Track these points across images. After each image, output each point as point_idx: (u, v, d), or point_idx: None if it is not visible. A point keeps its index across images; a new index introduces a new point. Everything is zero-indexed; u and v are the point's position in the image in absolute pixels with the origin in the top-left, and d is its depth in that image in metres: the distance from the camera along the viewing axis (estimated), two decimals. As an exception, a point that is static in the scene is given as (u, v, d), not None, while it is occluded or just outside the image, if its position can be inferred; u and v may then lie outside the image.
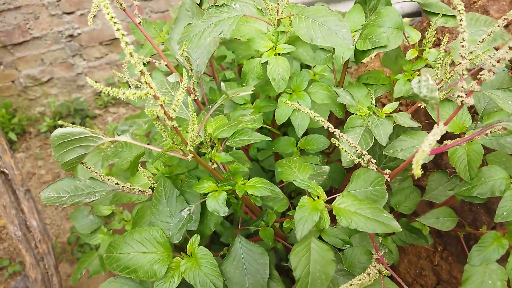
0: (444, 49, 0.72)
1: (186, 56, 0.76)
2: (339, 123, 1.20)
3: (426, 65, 0.84)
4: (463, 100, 0.48)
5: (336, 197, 0.63)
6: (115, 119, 2.50)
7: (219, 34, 0.68)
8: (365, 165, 0.68)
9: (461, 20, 0.45)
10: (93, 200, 0.70)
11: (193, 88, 0.81)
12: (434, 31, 0.81)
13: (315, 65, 1.32)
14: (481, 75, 0.45)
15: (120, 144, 0.79)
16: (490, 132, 0.57)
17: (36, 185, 2.22)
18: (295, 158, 0.78)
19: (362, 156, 0.67)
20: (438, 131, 0.42)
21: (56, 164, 2.32)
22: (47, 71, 2.50)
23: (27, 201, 1.40)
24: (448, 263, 1.09)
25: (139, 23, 0.75)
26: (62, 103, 2.50)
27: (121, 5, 0.74)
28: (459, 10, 0.45)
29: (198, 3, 0.84)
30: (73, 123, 2.48)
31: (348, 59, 0.89)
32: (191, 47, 0.69)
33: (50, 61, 2.46)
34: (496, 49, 0.95)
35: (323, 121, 0.63)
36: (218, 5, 0.71)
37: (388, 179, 0.69)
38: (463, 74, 0.48)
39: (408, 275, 1.23)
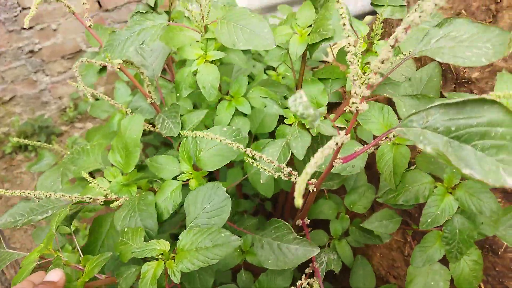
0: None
1: (129, 60, 0.75)
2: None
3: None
4: (357, 107, 0.45)
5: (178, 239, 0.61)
6: (82, 135, 2.44)
7: (141, 44, 0.65)
8: (287, 179, 0.64)
9: (344, 24, 0.44)
10: (46, 217, 0.71)
11: (149, 91, 0.80)
12: (381, 23, 0.83)
13: (278, 66, 1.34)
14: (368, 78, 0.42)
15: (76, 150, 0.78)
16: (386, 138, 0.54)
17: (3, 208, 2.14)
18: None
19: (282, 170, 0.63)
20: (331, 144, 0.40)
21: (24, 186, 2.24)
22: (9, 89, 2.42)
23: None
24: (418, 252, 1.12)
25: (89, 26, 0.74)
26: (26, 121, 2.42)
27: (69, 8, 0.73)
28: (342, 16, 0.44)
29: (152, 6, 0.84)
30: (38, 142, 2.41)
31: (305, 54, 0.90)
32: (113, 57, 0.66)
33: (11, 78, 2.39)
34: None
35: (230, 143, 0.61)
36: (143, 12, 0.68)
37: (315, 189, 0.64)
38: (355, 79, 0.45)
39: (381, 267, 1.24)
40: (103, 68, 0.91)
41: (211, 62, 0.75)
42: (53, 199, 0.70)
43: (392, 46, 0.36)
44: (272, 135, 0.97)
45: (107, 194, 0.68)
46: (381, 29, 0.85)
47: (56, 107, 2.56)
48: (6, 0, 2.18)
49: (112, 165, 0.73)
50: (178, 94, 0.77)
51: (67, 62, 2.43)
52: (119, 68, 0.74)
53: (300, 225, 0.83)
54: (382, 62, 0.36)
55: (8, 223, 0.72)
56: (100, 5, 2.30)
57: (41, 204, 0.73)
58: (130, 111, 0.86)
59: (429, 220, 0.69)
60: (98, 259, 0.61)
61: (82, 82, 0.73)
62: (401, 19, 1.13)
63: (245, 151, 0.59)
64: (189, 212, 0.65)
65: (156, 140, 1.56)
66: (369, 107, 0.72)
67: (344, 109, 0.77)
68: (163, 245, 0.60)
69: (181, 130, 0.73)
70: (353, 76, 0.45)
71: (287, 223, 0.62)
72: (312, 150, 0.82)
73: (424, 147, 0.39)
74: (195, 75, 0.75)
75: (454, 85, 0.91)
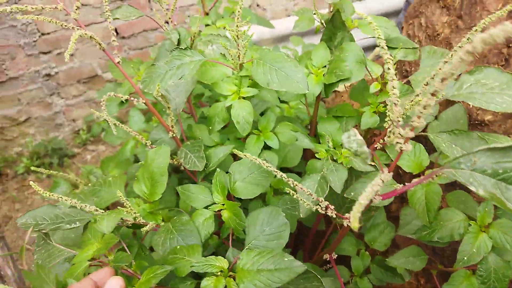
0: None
1: (162, 95, 0.78)
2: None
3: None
4: (401, 147, 0.48)
5: (238, 257, 0.62)
6: (94, 157, 2.48)
7: (180, 78, 0.69)
8: (323, 212, 0.65)
9: (388, 68, 0.46)
10: (73, 227, 0.70)
11: (172, 126, 0.83)
12: (394, 64, 0.86)
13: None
14: (412, 122, 0.45)
15: (98, 182, 0.80)
16: (435, 176, 0.56)
17: (13, 229, 2.15)
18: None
19: (320, 203, 0.64)
20: (379, 181, 0.43)
21: (34, 206, 2.27)
22: (24, 110, 2.48)
23: (0, 249, 1.36)
24: (431, 296, 1.10)
25: (118, 62, 0.77)
26: (39, 142, 2.47)
27: (100, 45, 0.76)
28: (389, 68, 0.46)
29: (176, 43, 0.88)
30: (50, 164, 2.44)
31: (320, 93, 0.93)
32: (152, 88, 0.71)
33: (27, 100, 2.45)
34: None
35: (275, 171, 0.62)
36: (181, 48, 0.72)
37: (349, 224, 0.65)
38: (399, 121, 0.48)
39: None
40: (126, 101, 0.95)
41: (243, 98, 0.79)
42: (80, 210, 0.71)
43: (433, 95, 0.40)
44: (292, 170, 0.99)
45: (135, 217, 0.69)
46: (395, 70, 0.88)
47: (70, 129, 2.61)
48: (27, 26, 2.26)
49: (135, 196, 0.75)
50: (210, 128, 0.81)
51: (83, 86, 2.50)
52: (144, 103, 0.77)
53: (327, 259, 0.84)
54: (425, 108, 0.40)
55: (29, 224, 0.70)
56: (117, 32, 2.38)
57: (68, 213, 0.72)
58: (150, 142, 0.89)
59: (465, 258, 0.69)
60: (156, 270, 0.61)
61: (108, 116, 0.77)
62: (415, 60, 1.16)
63: (288, 180, 0.61)
64: (249, 232, 0.67)
65: (169, 166, 1.59)
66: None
67: (375, 146, 0.79)
68: (222, 262, 0.62)
69: (206, 165, 0.76)
70: (397, 117, 0.48)
71: (317, 275, 0.62)
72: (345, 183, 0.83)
73: (476, 189, 0.42)
74: (228, 109, 0.79)
75: (468, 127, 0.93)
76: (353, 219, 0.33)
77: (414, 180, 0.54)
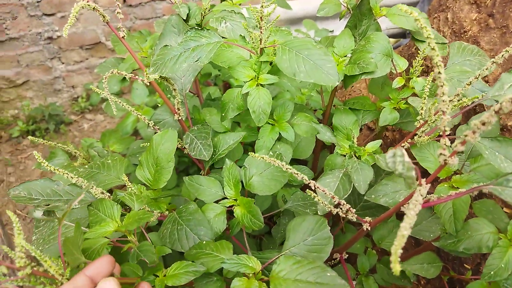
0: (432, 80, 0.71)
1: (165, 77, 0.72)
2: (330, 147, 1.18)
3: (413, 94, 0.83)
4: (446, 160, 0.44)
5: (274, 262, 0.58)
6: (91, 126, 2.42)
7: (196, 61, 0.63)
8: (343, 215, 0.61)
9: (439, 73, 0.40)
10: (73, 208, 0.65)
11: (178, 108, 0.77)
12: (422, 59, 0.80)
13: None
14: (465, 135, 0.41)
15: (96, 165, 0.75)
16: (478, 192, 0.52)
17: (4, 193, 2.11)
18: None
19: (341, 206, 0.60)
20: (419, 198, 0.39)
21: (27, 171, 2.22)
22: (23, 73, 2.40)
23: None
24: (431, 296, 1.08)
25: (122, 37, 0.71)
26: (37, 107, 2.40)
27: (104, 17, 0.70)
28: (436, 63, 0.40)
29: (185, 19, 0.81)
30: (46, 129, 2.38)
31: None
32: (165, 72, 0.64)
33: (26, 62, 2.37)
34: (486, 81, 0.96)
35: (296, 173, 0.57)
36: (198, 28, 0.66)
37: (369, 228, 0.63)
38: (446, 130, 0.44)
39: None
40: (129, 78, 0.89)
41: (261, 85, 0.72)
42: (80, 189, 0.65)
43: (496, 112, 0.36)
44: (305, 162, 0.93)
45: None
46: (421, 66, 0.82)
47: (68, 95, 2.54)
48: (31, -16, 2.16)
49: (137, 183, 0.70)
50: (223, 114, 0.75)
51: (85, 52, 2.41)
52: (149, 83, 0.71)
53: (337, 258, 0.81)
54: (483, 124, 0.37)
55: (23, 198, 0.63)
56: (124, 0, 2.28)
57: (66, 191, 0.67)
58: (153, 123, 0.83)
59: (491, 272, 0.65)
60: (187, 267, 0.57)
61: (109, 93, 0.71)
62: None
63: (309, 183, 0.56)
64: (289, 237, 0.62)
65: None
66: (428, 145, 0.69)
67: (402, 145, 0.74)
68: (255, 263, 0.59)
69: (213, 153, 0.71)
70: (444, 127, 0.44)
71: None
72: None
73: None
74: (244, 96, 0.73)
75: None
76: (394, 257, 0.28)
77: (451, 193, 0.50)
